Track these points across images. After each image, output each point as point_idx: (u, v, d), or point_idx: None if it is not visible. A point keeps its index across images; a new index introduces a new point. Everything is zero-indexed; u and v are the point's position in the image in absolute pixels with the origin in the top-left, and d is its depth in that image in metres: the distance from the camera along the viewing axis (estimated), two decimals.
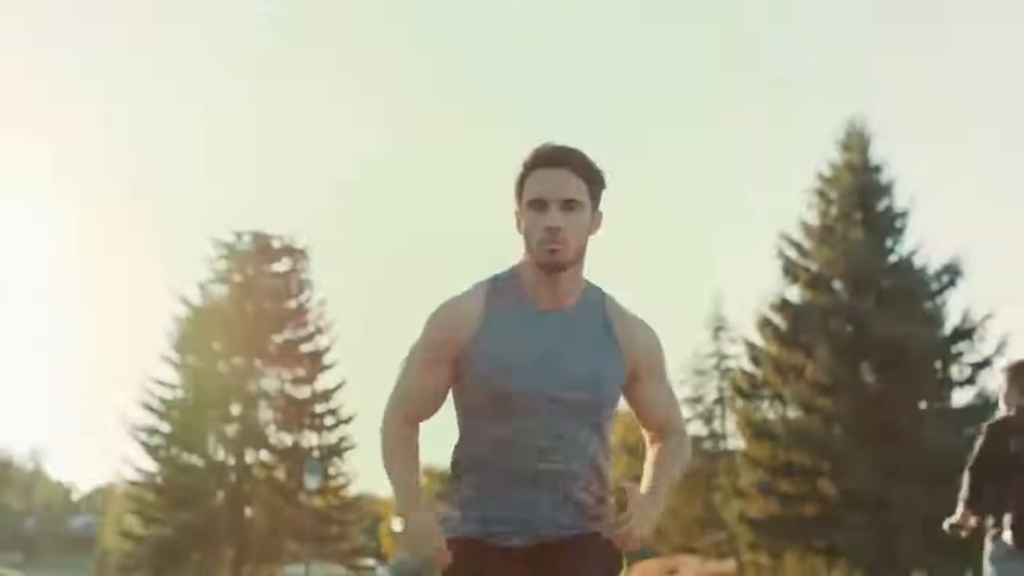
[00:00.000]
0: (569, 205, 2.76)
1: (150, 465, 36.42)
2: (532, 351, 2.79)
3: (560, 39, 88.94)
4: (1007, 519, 5.84)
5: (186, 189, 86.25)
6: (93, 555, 59.04)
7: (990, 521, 5.96)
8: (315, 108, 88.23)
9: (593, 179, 2.82)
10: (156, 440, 36.33)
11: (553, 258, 2.76)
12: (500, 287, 2.87)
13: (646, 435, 3.04)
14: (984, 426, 6.12)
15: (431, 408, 2.91)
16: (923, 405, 28.36)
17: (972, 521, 6.03)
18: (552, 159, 2.79)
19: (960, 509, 6.05)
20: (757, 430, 29.00)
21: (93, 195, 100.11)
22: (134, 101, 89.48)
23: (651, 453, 3.00)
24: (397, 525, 56.20)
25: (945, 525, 6.19)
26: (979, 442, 6.01)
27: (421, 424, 2.97)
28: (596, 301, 2.88)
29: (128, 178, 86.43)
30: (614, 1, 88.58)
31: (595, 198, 2.84)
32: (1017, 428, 5.93)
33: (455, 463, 2.92)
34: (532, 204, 2.78)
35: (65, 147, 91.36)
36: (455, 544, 2.83)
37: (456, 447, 2.92)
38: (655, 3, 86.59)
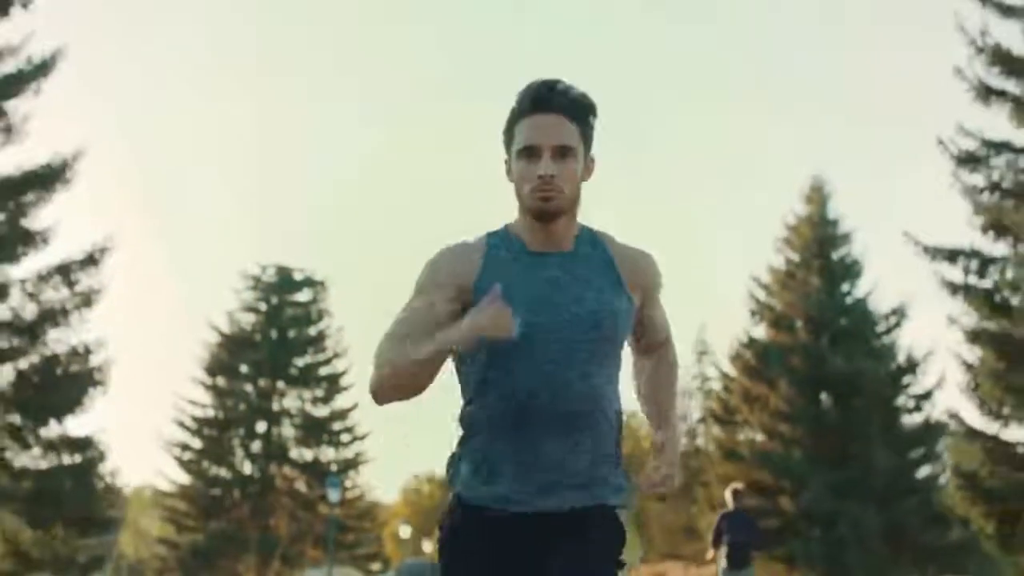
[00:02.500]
0: (562, 152, 2.74)
1: (182, 477, 40.22)
2: (535, 288, 2.76)
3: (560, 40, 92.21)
4: (723, 552, 12.50)
5: (214, 225, 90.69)
6: (111, 558, 62.90)
7: (720, 553, 12.51)
8: (332, 142, 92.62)
9: (586, 120, 2.80)
10: (188, 455, 40.08)
11: (547, 206, 2.74)
12: (497, 236, 2.87)
13: (637, 344, 3.07)
14: (720, 514, 12.80)
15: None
16: (873, 431, 33.24)
17: (716, 555, 12.64)
18: (544, 104, 2.76)
19: (711, 550, 12.71)
20: (726, 451, 34.11)
21: (129, 231, 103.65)
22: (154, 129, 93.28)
23: (649, 368, 3.10)
24: (404, 532, 60.62)
25: (707, 556, 12.82)
26: (716, 521, 12.72)
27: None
28: (593, 240, 2.87)
29: (159, 215, 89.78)
30: (613, 5, 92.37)
31: (587, 140, 2.81)
32: (729, 518, 12.77)
33: (463, 421, 2.86)
34: (523, 152, 2.75)
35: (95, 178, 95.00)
36: (457, 514, 2.85)
37: (464, 404, 2.87)
38: (651, 23, 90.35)
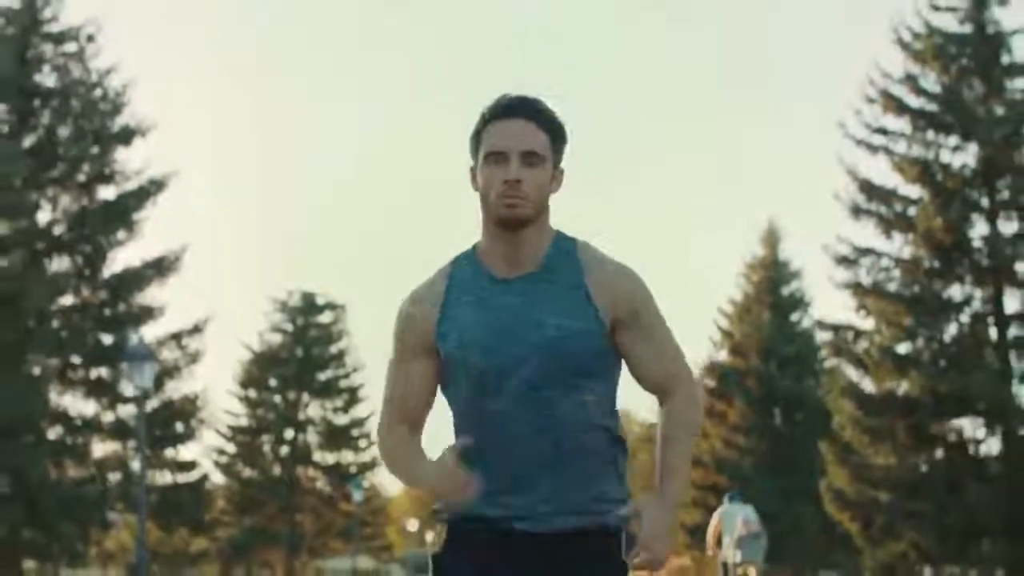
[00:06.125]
0: (530, 158, 2.78)
1: (218, 478, 45.48)
2: (491, 323, 2.80)
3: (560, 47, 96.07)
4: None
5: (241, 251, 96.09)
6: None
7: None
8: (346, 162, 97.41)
9: (556, 132, 2.84)
10: (224, 458, 45.88)
11: (513, 212, 2.77)
12: (461, 263, 2.90)
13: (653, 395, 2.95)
14: None
15: (422, 406, 2.92)
16: (815, 444, 41.07)
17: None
18: (513, 110, 2.81)
19: None
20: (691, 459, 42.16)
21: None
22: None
23: (661, 420, 2.94)
24: (411, 525, 67.94)
25: None
26: None
27: (422, 430, 2.98)
28: (567, 253, 2.87)
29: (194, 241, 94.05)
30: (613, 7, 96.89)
31: (557, 152, 2.85)
32: None
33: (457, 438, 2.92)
34: (491, 157, 2.79)
35: None
36: (452, 527, 2.91)
37: (454, 423, 2.94)
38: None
